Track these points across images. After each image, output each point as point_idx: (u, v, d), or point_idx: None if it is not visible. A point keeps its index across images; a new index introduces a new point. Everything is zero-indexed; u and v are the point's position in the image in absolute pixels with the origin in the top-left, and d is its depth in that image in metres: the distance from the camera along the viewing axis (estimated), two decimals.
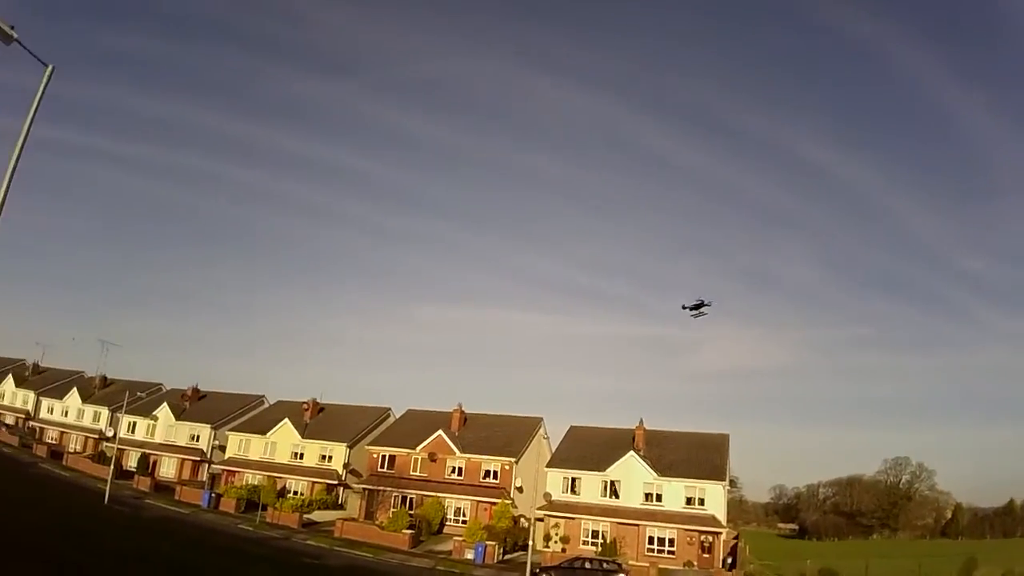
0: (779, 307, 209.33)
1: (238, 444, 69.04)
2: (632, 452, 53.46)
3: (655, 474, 51.93)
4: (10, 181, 10.09)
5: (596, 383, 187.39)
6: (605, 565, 40.01)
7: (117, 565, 13.47)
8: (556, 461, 57.12)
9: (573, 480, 54.46)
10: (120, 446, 62.61)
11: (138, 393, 69.74)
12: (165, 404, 74.41)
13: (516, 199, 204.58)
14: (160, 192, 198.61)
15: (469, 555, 47.11)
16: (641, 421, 56.64)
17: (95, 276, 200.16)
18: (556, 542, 51.30)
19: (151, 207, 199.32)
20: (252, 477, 64.92)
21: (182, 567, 17.06)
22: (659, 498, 51.58)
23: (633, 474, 52.65)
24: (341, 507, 61.21)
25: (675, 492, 51.41)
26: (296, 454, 65.84)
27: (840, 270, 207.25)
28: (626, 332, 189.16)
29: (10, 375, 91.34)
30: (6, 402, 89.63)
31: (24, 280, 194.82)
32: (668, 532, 50.13)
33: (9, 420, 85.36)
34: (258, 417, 72.95)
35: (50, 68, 10.74)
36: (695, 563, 48.28)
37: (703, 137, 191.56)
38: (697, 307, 52.23)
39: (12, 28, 10.25)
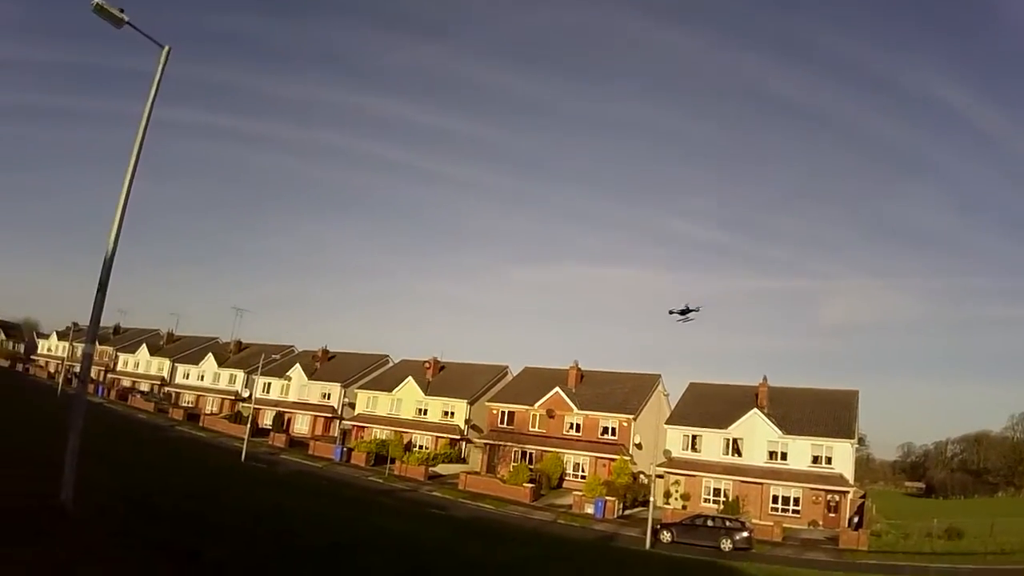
0: (906, 257, 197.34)
1: (366, 401, 72.11)
2: (756, 410, 52.22)
3: (780, 432, 50.57)
4: (136, 160, 10.60)
5: (715, 339, 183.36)
6: (728, 523, 39.23)
7: (252, 519, 14.27)
8: (676, 418, 56.60)
9: (694, 437, 53.81)
10: (256, 406, 66.41)
11: (272, 356, 73.80)
12: (297, 365, 78.47)
13: (627, 154, 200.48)
14: (283, 164, 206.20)
15: (589, 509, 47.55)
16: (765, 378, 55.16)
17: (226, 247, 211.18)
18: (676, 499, 51.01)
19: (275, 179, 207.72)
20: (380, 432, 67.71)
21: (316, 518, 17.91)
22: (784, 456, 50.27)
23: (757, 432, 51.47)
24: (464, 461, 63.09)
25: (801, 450, 49.96)
26: (420, 410, 68.14)
27: (971, 218, 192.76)
28: (746, 286, 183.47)
29: (144, 344, 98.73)
30: (141, 370, 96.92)
31: (157, 254, 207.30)
32: (793, 491, 48.83)
33: (144, 387, 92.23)
34: (384, 375, 75.74)
35: (166, 49, 11.08)
36: (820, 522, 46.95)
37: (823, 78, 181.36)
38: (684, 312, 53.78)
39: (122, 11, 10.65)
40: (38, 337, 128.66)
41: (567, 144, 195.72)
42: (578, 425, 59.03)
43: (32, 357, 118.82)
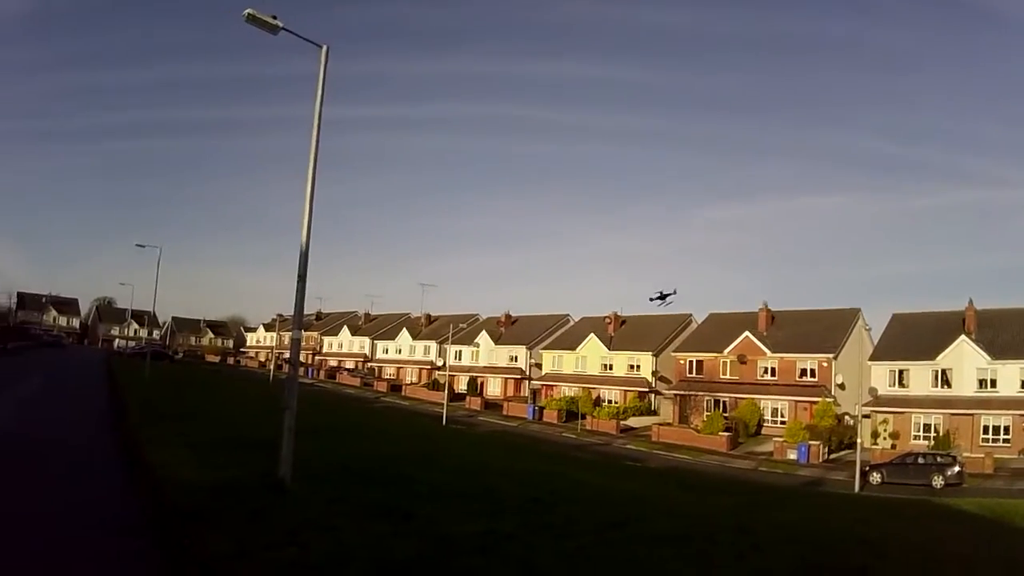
0: None
1: (552, 360, 73.68)
2: (963, 336, 48.28)
3: (989, 358, 46.59)
4: (316, 158, 11.34)
5: (915, 264, 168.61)
6: (939, 459, 37.48)
7: (458, 478, 15.11)
8: (880, 353, 53.30)
9: (900, 372, 50.62)
10: (450, 373, 69.69)
11: (460, 325, 77.23)
12: (484, 332, 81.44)
13: (796, 73, 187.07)
14: (442, 143, 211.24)
15: (792, 455, 46.15)
16: (971, 301, 50.91)
17: (409, 227, 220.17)
18: (885, 439, 48.38)
19: (437, 158, 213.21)
20: (568, 389, 69.05)
21: (517, 474, 18.62)
22: (993, 384, 46.35)
23: (965, 360, 47.60)
24: (654, 413, 63.05)
25: (1010, 376, 45.86)
26: (605, 366, 68.68)
27: None
28: (941, 202, 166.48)
29: (345, 326, 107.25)
30: (344, 349, 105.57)
31: (349, 243, 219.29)
32: (1003, 419, 45.23)
33: (349, 364, 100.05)
34: (566, 334, 77.03)
35: (325, 48, 11.66)
36: None
37: None
38: (662, 297, 59.76)
39: (275, 18, 11.28)
40: (246, 331, 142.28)
41: (743, 74, 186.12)
42: (773, 369, 57.12)
43: (242, 350, 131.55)
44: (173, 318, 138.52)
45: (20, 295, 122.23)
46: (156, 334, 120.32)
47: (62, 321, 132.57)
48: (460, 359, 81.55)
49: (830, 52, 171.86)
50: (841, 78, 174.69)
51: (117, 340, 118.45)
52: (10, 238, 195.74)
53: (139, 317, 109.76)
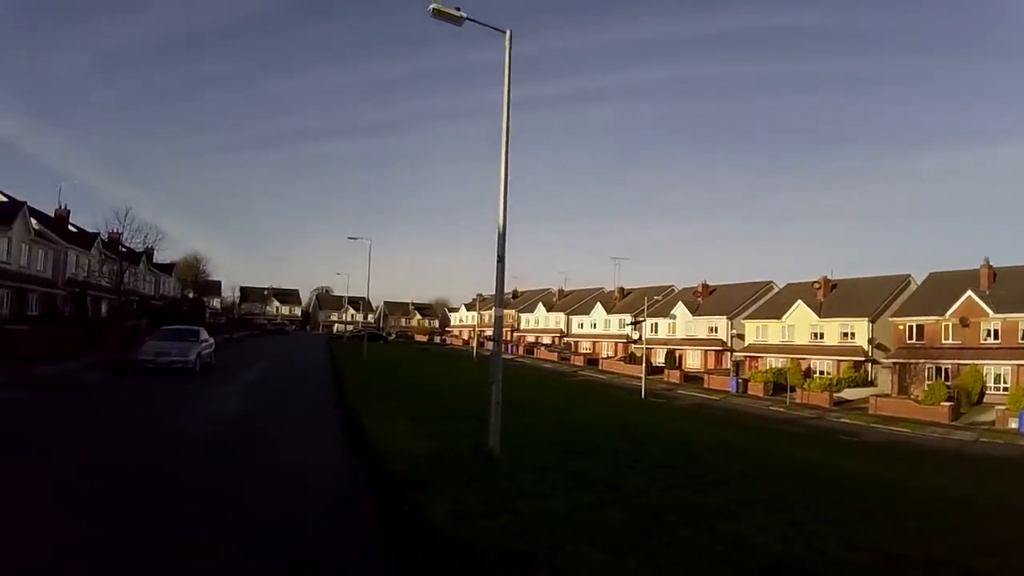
0: None
1: (755, 331, 71.07)
2: None
3: None
4: (507, 143, 11.60)
5: None
6: None
7: (661, 450, 15.09)
8: None
9: None
10: (647, 346, 69.25)
11: (654, 297, 76.59)
12: (680, 303, 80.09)
13: (1001, 11, 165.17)
14: (634, 110, 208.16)
15: (1013, 424, 42.68)
16: None
17: (598, 200, 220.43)
18: None
19: (633, 126, 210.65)
20: (774, 360, 66.31)
21: (722, 447, 18.37)
22: None
23: None
24: (871, 383, 59.11)
25: None
26: (815, 334, 65.25)
27: None
28: None
29: (540, 303, 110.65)
30: (541, 325, 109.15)
31: (540, 220, 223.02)
32: None
33: (546, 340, 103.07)
34: (769, 303, 73.99)
35: (508, 33, 11.89)
36: None
37: None
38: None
39: (458, 9, 11.59)
40: (449, 312, 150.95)
41: (947, 12, 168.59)
42: (996, 331, 51.85)
43: (447, 329, 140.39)
44: (385, 302, 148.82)
45: (243, 289, 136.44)
46: (370, 318, 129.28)
47: (284, 310, 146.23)
48: (656, 332, 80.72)
49: None
50: None
51: (336, 325, 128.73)
52: (234, 239, 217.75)
53: (354, 303, 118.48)
